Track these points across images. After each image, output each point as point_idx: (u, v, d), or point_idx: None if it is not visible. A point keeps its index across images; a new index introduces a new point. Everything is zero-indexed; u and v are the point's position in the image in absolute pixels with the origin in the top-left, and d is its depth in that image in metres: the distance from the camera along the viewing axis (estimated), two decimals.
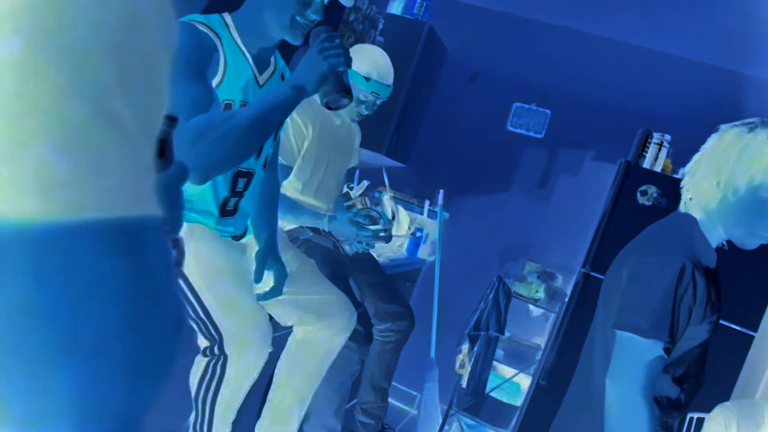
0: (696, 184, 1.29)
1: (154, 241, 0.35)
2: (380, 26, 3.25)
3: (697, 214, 1.29)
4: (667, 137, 2.79)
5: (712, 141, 1.29)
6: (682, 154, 2.90)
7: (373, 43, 3.20)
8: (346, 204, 2.57)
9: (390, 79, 2.16)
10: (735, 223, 1.25)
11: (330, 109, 1.37)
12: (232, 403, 1.42)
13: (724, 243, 1.32)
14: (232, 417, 1.45)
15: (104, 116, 0.31)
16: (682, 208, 1.33)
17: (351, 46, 2.82)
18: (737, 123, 1.26)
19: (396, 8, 3.38)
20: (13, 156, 0.28)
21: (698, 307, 1.21)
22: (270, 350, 1.41)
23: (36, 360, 0.29)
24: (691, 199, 1.30)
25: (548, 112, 3.42)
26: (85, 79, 0.30)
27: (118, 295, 0.32)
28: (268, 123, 1.22)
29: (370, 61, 2.11)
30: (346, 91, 1.33)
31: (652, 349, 1.16)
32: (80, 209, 0.29)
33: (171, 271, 0.37)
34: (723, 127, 1.29)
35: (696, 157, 1.32)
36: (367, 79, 2.10)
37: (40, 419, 0.30)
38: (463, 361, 2.83)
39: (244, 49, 1.41)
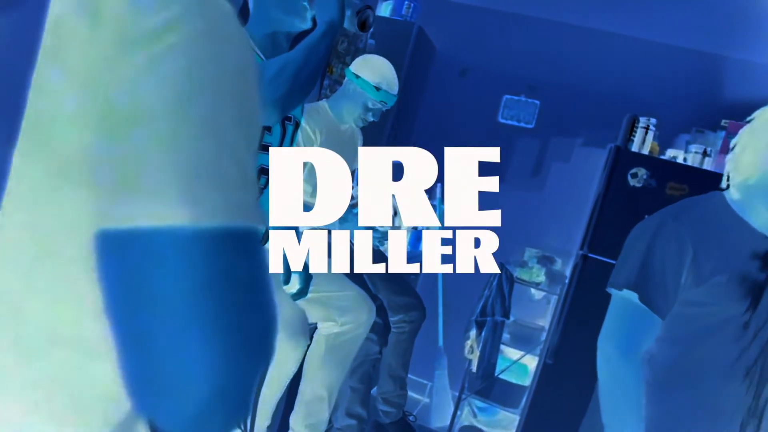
0: (736, 159, 1.20)
1: (260, 245, 0.46)
2: (371, 29, 3.34)
3: (736, 191, 1.20)
4: (653, 121, 2.91)
5: (759, 112, 1.19)
6: (668, 137, 3.04)
7: (365, 46, 3.29)
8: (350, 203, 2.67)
9: (396, 88, 2.28)
10: None
11: (365, 29, 1.49)
12: (274, 395, 1.53)
13: None
14: (272, 409, 1.56)
15: (228, 150, 0.42)
16: (724, 183, 1.25)
17: (344, 50, 2.92)
18: None
19: (384, 11, 3.47)
20: (170, 183, 0.38)
21: (691, 269, 1.15)
22: (308, 343, 1.52)
23: (187, 331, 0.38)
24: (733, 173, 1.21)
25: (537, 102, 3.53)
26: (219, 129, 0.41)
27: (244, 285, 0.41)
28: (315, 56, 1.38)
29: (378, 72, 2.21)
30: (366, 7, 1.46)
31: (629, 301, 1.15)
32: (214, 219, 0.40)
33: (269, 269, 0.48)
34: None
35: (742, 130, 1.22)
36: (378, 89, 2.21)
37: (186, 380, 0.38)
38: (472, 346, 2.95)
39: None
